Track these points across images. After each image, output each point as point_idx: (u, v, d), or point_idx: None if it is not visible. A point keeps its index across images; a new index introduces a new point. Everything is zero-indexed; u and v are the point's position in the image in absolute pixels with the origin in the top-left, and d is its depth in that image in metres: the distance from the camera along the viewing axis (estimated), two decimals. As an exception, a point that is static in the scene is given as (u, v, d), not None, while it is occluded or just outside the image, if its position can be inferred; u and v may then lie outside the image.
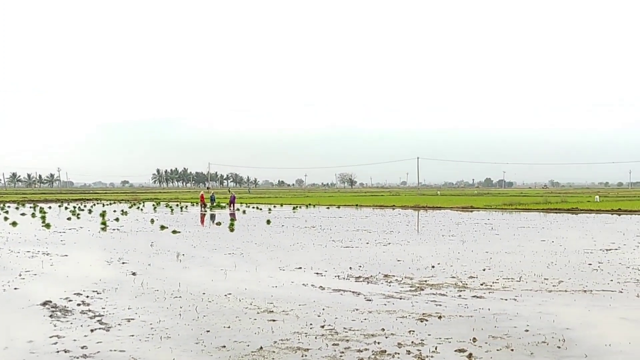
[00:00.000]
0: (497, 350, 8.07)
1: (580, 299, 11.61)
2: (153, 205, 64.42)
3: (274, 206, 60.28)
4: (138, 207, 58.09)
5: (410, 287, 12.95)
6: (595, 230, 28.09)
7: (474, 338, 8.61)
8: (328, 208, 56.12)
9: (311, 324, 9.56)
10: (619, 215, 41.69)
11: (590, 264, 16.25)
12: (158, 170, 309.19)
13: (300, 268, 15.96)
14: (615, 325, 9.57)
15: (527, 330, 9.06)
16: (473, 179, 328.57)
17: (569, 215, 41.56)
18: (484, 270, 15.35)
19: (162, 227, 30.09)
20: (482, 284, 13.18)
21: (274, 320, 9.85)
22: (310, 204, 64.23)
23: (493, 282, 13.41)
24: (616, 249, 19.78)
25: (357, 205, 61.70)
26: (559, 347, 8.18)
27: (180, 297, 11.93)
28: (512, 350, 8.06)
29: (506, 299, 11.50)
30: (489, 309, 10.57)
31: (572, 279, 13.80)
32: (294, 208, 55.69)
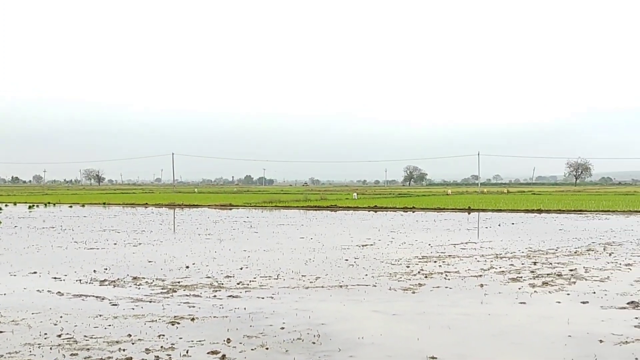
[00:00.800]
0: (252, 349, 8.27)
1: (336, 294, 12.36)
2: None
3: (6, 205, 55.97)
4: None
5: (162, 289, 12.78)
6: (353, 227, 30.16)
7: (229, 339, 8.73)
8: (71, 207, 53.56)
9: (46, 334, 8.99)
10: (375, 212, 45.23)
11: (346, 260, 17.38)
12: None
13: (35, 273, 14.96)
14: (368, 318, 10.33)
15: (283, 328, 9.41)
16: (233, 176, 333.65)
17: (328, 213, 44.13)
18: (241, 269, 15.67)
19: None
20: (239, 283, 13.43)
21: (0, 332, 9.09)
22: (49, 203, 60.65)
23: (250, 281, 13.74)
24: (371, 245, 21.40)
25: (104, 203, 59.80)
26: (314, 343, 8.62)
27: None
28: (267, 348, 8.32)
29: (263, 298, 11.86)
30: (245, 309, 10.80)
31: (329, 275, 14.65)
32: (30, 207, 52.15)
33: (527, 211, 43.33)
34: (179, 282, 13.58)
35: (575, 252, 18.95)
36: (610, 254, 18.41)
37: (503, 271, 15.20)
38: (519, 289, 12.84)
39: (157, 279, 14.09)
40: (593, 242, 21.83)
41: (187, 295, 12.08)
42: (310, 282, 13.66)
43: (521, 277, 14.26)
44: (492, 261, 17.04)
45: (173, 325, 9.62)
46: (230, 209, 49.28)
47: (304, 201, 58.65)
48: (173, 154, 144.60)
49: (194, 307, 10.98)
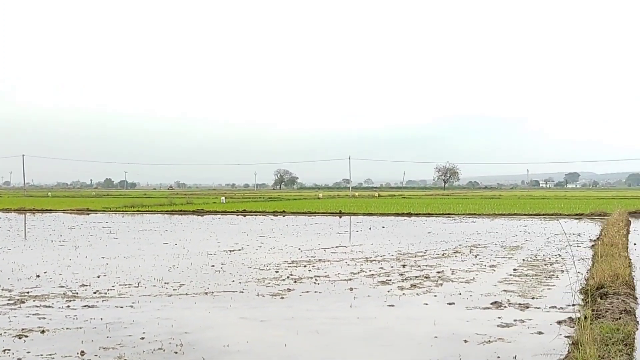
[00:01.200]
0: (109, 362, 8.02)
1: (201, 301, 12.20)
2: None
3: None
4: None
5: (9, 300, 12.14)
6: (220, 232, 29.96)
7: (82, 351, 8.41)
8: None
9: None
10: (244, 216, 45.17)
11: (213, 266, 17.22)
12: None
13: None
14: (234, 325, 10.28)
15: (143, 338, 9.18)
16: (91, 180, 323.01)
17: (194, 217, 43.59)
18: (98, 277, 15.17)
19: None
20: (95, 292, 12.98)
21: None
22: None
23: (108, 290, 13.32)
24: (239, 250, 21.33)
25: (-57, 208, 56.18)
26: (176, 352, 8.47)
27: None
28: (125, 360, 8.09)
29: (122, 307, 11.53)
30: (101, 319, 10.45)
31: (194, 282, 14.46)
32: None
33: (397, 215, 44.72)
34: (28, 292, 12.94)
35: (443, 255, 19.76)
36: (475, 256, 19.34)
37: (373, 274, 15.59)
38: (388, 291, 13.21)
39: (3, 289, 13.36)
40: (460, 245, 22.86)
41: (37, 306, 11.52)
42: (174, 290, 13.42)
43: (390, 280, 14.68)
44: (362, 265, 17.44)
45: (20, 338, 9.14)
46: (88, 214, 47.66)
47: (169, 205, 57.70)
48: (23, 155, 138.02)
49: (44, 318, 10.50)
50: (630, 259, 17.04)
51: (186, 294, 12.92)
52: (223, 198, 75.16)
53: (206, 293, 13.07)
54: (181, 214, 47.48)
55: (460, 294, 12.92)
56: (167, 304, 11.85)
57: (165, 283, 14.26)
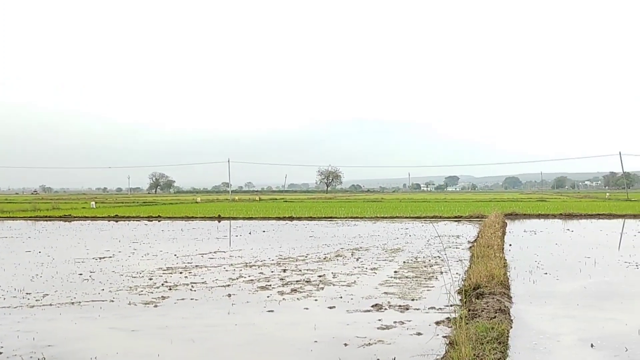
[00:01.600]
0: (-39, 379, 7.60)
1: (66, 312, 11.78)
2: None
3: None
4: None
5: None
6: (90, 238, 29.03)
7: None
8: None
9: None
10: (117, 221, 43.98)
11: (81, 274, 16.67)
12: None
13: None
14: (103, 336, 9.98)
15: (0, 353, 8.77)
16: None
17: (61, 223, 42.05)
18: (-50, 288, 14.38)
19: None
20: (-53, 305, 12.29)
21: None
22: None
23: (-38, 302, 12.64)
24: (110, 257, 20.76)
25: None
26: (39, 367, 8.15)
27: None
28: (-20, 377, 7.69)
29: (-23, 320, 10.98)
30: (-46, 333, 9.91)
31: (59, 291, 13.95)
32: None
33: (278, 219, 44.85)
34: None
35: (325, 258, 19.98)
36: (357, 259, 19.68)
37: (252, 280, 15.56)
38: (268, 297, 13.23)
39: None
40: (342, 248, 23.20)
41: None
42: (37, 300, 12.89)
43: (270, 285, 14.70)
44: (241, 270, 17.37)
45: None
46: (-59, 221, 45.05)
47: (33, 211, 55.39)
48: None
49: None
50: (506, 260, 17.88)
51: (50, 305, 12.44)
52: (93, 203, 72.89)
53: (72, 303, 12.63)
54: (47, 220, 45.72)
55: (341, 297, 13.11)
56: (29, 316, 11.38)
57: (27, 293, 13.68)
